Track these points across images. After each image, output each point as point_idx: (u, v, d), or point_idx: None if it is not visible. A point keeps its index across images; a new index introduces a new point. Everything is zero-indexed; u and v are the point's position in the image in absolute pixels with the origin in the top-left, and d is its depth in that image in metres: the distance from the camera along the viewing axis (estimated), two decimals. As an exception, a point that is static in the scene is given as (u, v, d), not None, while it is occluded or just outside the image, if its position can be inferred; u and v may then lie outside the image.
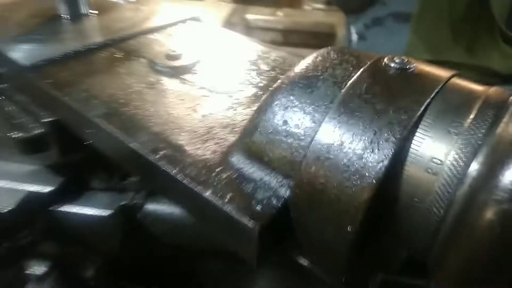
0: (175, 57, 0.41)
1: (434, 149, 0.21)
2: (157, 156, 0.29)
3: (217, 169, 0.27)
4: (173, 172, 0.27)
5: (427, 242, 0.22)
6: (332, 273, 0.26)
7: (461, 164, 0.20)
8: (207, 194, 0.26)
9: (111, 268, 0.58)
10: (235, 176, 0.27)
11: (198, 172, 0.27)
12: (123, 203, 0.46)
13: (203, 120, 0.32)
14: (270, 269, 0.52)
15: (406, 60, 0.25)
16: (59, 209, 0.45)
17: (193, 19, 0.51)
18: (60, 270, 0.59)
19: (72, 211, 0.45)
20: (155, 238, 0.48)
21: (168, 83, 0.38)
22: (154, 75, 0.39)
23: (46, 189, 0.44)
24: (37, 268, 0.57)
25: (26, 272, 0.53)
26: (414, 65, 0.25)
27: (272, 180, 0.26)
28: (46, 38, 0.44)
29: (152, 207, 0.47)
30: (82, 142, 0.41)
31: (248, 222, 0.24)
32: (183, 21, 0.50)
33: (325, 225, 0.23)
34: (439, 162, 0.21)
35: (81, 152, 0.45)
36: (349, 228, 0.22)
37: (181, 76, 0.39)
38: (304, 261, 0.29)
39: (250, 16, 1.28)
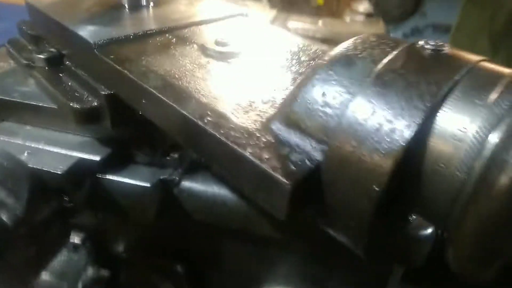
0: (223, 44, 0.44)
1: (460, 119, 0.23)
2: (204, 121, 0.32)
3: (257, 134, 0.30)
4: (218, 134, 0.30)
5: (447, 206, 0.23)
6: (355, 237, 0.27)
7: (484, 131, 0.22)
8: (247, 153, 0.28)
9: (142, 243, 0.62)
10: (273, 141, 0.29)
11: (240, 135, 0.30)
12: (162, 177, 0.49)
13: (246, 96, 0.35)
14: (293, 255, 0.54)
15: (441, 43, 0.27)
16: (104, 177, 0.49)
17: (242, 15, 0.55)
18: (94, 241, 0.63)
19: (115, 179, 0.48)
20: (188, 214, 0.51)
21: (216, 65, 0.41)
22: (204, 57, 0.43)
23: (95, 157, 0.48)
24: (75, 237, 0.62)
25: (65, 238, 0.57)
26: (447, 47, 0.27)
27: (307, 145, 0.28)
28: (109, 23, 0.49)
29: (187, 184, 0.50)
30: (134, 117, 0.45)
31: (283, 179, 0.26)
32: (233, 16, 0.54)
33: (353, 186, 0.25)
34: (464, 129, 0.23)
35: (131, 127, 0.49)
36: (375, 187, 0.24)
37: (228, 60, 0.42)
38: (329, 230, 0.31)
39: (291, 24, 1.33)
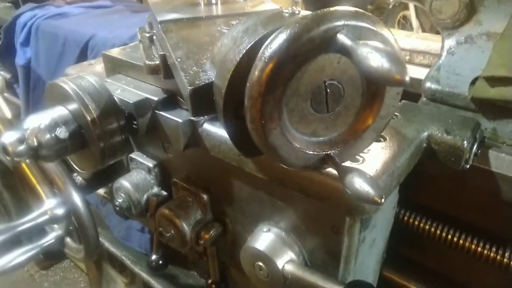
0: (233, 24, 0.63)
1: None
2: (177, 61, 0.51)
3: (194, 67, 0.48)
4: (178, 66, 0.49)
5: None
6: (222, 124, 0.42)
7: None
8: (182, 74, 0.47)
9: (185, 175, 0.84)
10: (199, 70, 0.47)
11: (186, 67, 0.49)
12: (191, 118, 0.70)
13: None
14: (280, 203, 0.67)
15: (297, 11, 0.40)
16: (158, 112, 0.73)
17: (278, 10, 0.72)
18: (161, 169, 0.89)
19: (163, 114, 0.72)
20: (207, 149, 0.71)
21: (220, 34, 0.61)
22: (218, 32, 0.62)
23: (155, 98, 0.73)
24: (150, 162, 0.89)
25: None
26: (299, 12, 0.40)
27: (212, 71, 0.45)
28: (179, 11, 0.74)
29: (208, 126, 0.70)
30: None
31: (187, 86, 0.44)
32: (269, 10, 0.72)
33: (217, 92, 0.41)
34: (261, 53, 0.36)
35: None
36: (222, 91, 0.39)
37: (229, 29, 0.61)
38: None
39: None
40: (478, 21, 0.78)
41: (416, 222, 0.83)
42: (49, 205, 0.70)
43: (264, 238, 0.70)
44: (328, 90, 0.35)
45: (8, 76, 1.57)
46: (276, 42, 0.31)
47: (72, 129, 0.66)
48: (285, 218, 0.69)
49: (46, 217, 0.69)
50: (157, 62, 0.71)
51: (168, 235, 0.80)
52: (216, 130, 0.69)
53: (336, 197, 0.56)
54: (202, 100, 0.44)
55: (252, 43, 0.37)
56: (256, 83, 0.32)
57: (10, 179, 2.20)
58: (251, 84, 0.33)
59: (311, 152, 0.38)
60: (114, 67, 0.85)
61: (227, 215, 0.80)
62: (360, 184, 0.33)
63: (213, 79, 0.44)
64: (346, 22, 0.31)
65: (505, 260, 0.75)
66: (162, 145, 0.86)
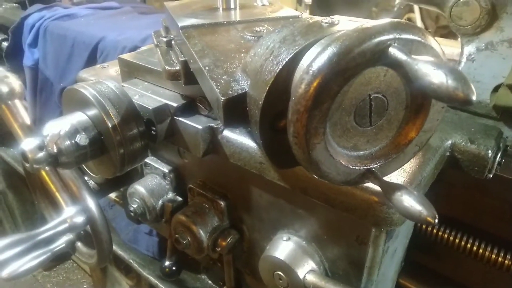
0: (259, 31, 0.62)
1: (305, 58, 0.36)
2: (205, 69, 0.51)
3: (225, 76, 0.47)
4: (207, 75, 0.49)
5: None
6: (257, 141, 0.42)
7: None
8: (212, 83, 0.46)
9: (202, 181, 0.83)
10: (231, 79, 0.46)
11: (216, 76, 0.48)
12: (211, 124, 0.69)
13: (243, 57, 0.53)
14: (302, 211, 0.66)
15: (336, 21, 0.39)
16: (177, 118, 0.72)
17: (296, 16, 0.71)
18: (176, 174, 0.88)
19: (183, 120, 0.71)
20: (226, 156, 0.70)
21: (246, 42, 0.60)
22: (242, 38, 0.62)
23: (174, 104, 0.72)
24: (165, 168, 0.88)
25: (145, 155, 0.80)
26: (339, 21, 0.39)
27: (244, 81, 0.44)
28: (199, 17, 0.73)
29: (227, 133, 0.69)
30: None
31: (220, 95, 0.43)
32: (296, 17, 0.71)
33: (254, 102, 0.40)
34: (303, 64, 0.35)
35: (196, 87, 0.71)
36: (259, 101, 0.39)
37: (257, 38, 0.60)
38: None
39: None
40: (500, 27, 0.77)
41: (435, 231, 0.82)
42: (69, 213, 0.69)
43: (284, 247, 0.69)
44: (372, 104, 0.35)
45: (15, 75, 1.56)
46: (325, 55, 0.30)
47: (92, 135, 0.65)
48: (305, 227, 0.68)
49: (65, 225, 0.69)
50: (177, 67, 0.70)
51: (184, 242, 0.79)
52: (236, 137, 0.68)
53: (363, 208, 0.55)
54: (235, 110, 0.43)
55: (292, 54, 0.36)
56: (303, 97, 0.31)
57: (14, 180, 2.19)
58: (297, 98, 0.32)
59: (353, 167, 0.37)
60: (130, 71, 0.84)
61: (244, 222, 0.80)
62: (410, 203, 0.32)
63: (246, 90, 0.43)
64: (397, 36, 0.30)
65: (526, 270, 0.74)
66: (177, 151, 0.85)
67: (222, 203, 0.79)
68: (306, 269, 0.66)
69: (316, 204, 0.63)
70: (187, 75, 0.68)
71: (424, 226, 0.82)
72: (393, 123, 0.37)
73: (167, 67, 0.71)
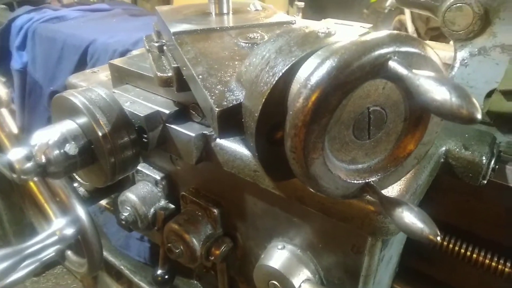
0: (253, 38, 0.61)
1: (304, 69, 0.35)
2: (199, 77, 0.49)
3: (220, 86, 0.46)
4: (201, 84, 0.47)
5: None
6: (253, 152, 0.40)
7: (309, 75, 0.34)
8: (207, 93, 0.45)
9: (195, 188, 0.82)
10: (225, 89, 0.45)
11: (210, 85, 0.47)
12: (204, 132, 0.68)
13: (236, 66, 0.52)
14: (296, 220, 0.65)
15: (330, 30, 0.38)
16: (169, 125, 0.70)
17: (290, 22, 0.71)
18: (168, 181, 0.86)
19: (175, 128, 0.70)
20: (219, 164, 0.68)
21: (240, 49, 0.59)
22: (236, 45, 0.60)
23: (166, 111, 0.71)
24: (157, 175, 0.86)
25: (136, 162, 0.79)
26: (333, 31, 0.38)
27: (239, 91, 0.43)
28: (192, 22, 0.72)
29: (221, 141, 0.68)
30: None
31: (215, 108, 0.42)
32: (290, 22, 0.70)
33: (249, 114, 0.39)
34: (300, 76, 0.35)
35: (189, 94, 0.69)
36: (255, 113, 0.38)
37: (252, 46, 0.59)
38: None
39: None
40: (493, 33, 0.77)
41: (429, 236, 0.82)
42: (58, 225, 0.68)
43: (279, 256, 0.68)
44: (371, 116, 0.34)
45: (3, 80, 1.52)
46: (323, 68, 0.30)
47: (81, 144, 0.63)
48: (300, 235, 0.67)
49: (55, 238, 0.67)
50: (170, 74, 0.68)
51: (177, 251, 0.78)
52: (229, 145, 0.67)
53: (360, 217, 0.54)
54: (230, 121, 0.42)
55: (289, 65, 0.36)
56: (301, 111, 0.30)
57: (2, 184, 2.15)
58: (294, 112, 0.31)
59: (351, 181, 0.36)
60: (121, 77, 0.82)
61: (238, 230, 0.78)
62: (411, 220, 0.31)
63: (241, 100, 0.42)
64: (397, 49, 0.30)
65: (520, 275, 0.74)
66: (170, 157, 0.84)
67: (215, 210, 0.77)
68: (302, 278, 0.66)
69: (311, 212, 0.62)
70: (179, 82, 0.67)
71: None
72: (391, 136, 0.36)
73: (159, 73, 0.69)
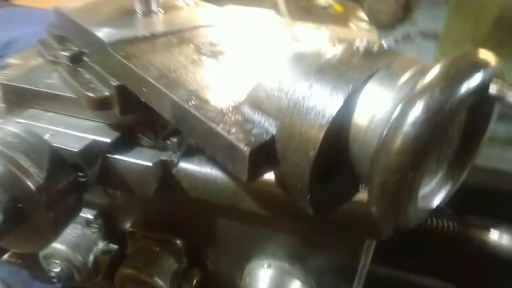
0: (215, 44, 0.52)
1: (375, 98, 0.30)
2: (189, 104, 0.39)
3: (229, 115, 0.37)
4: (198, 113, 0.38)
5: (367, 166, 0.30)
6: (301, 196, 0.34)
7: (392, 107, 0.29)
8: (219, 128, 0.36)
9: (146, 219, 0.70)
10: (240, 119, 0.37)
11: (215, 115, 0.37)
12: (162, 158, 0.57)
13: (228, 86, 0.43)
14: (281, 234, 0.61)
15: (372, 44, 0.34)
16: (113, 156, 0.57)
17: (239, 20, 0.63)
18: (105, 217, 0.72)
19: (123, 158, 0.56)
20: (185, 191, 0.59)
21: (206, 61, 0.49)
22: (197, 55, 0.51)
23: (106, 139, 0.57)
24: (88, 213, 0.71)
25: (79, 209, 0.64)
26: (376, 46, 0.34)
27: (265, 122, 0.35)
28: (122, 25, 0.58)
29: (184, 165, 0.58)
30: (139, 105, 0.53)
31: (243, 147, 0.34)
32: (228, 21, 0.62)
33: (296, 153, 0.32)
34: (376, 107, 0.29)
35: (136, 114, 0.57)
36: (311, 152, 0.31)
37: (218, 57, 0.50)
38: (284, 191, 0.38)
39: (295, 29, 1.40)
40: (413, 20, 0.83)
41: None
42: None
43: (266, 276, 0.63)
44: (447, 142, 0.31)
45: None
46: (418, 108, 0.25)
47: (4, 205, 0.46)
48: (287, 249, 0.63)
49: None
50: (106, 94, 0.54)
51: (141, 299, 0.66)
52: (197, 168, 0.58)
53: (360, 222, 0.53)
54: (261, 160, 0.34)
55: (350, 92, 0.30)
56: (404, 153, 0.25)
57: None
58: (394, 155, 0.26)
59: (428, 208, 0.33)
60: (21, 99, 0.63)
61: (207, 258, 0.70)
62: None
63: (273, 133, 0.35)
64: (493, 70, 0.27)
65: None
66: (104, 191, 0.69)
67: (178, 242, 0.67)
68: (294, 293, 0.62)
69: (301, 225, 0.58)
70: (124, 103, 0.54)
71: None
72: (449, 155, 0.34)
73: (89, 94, 0.55)
